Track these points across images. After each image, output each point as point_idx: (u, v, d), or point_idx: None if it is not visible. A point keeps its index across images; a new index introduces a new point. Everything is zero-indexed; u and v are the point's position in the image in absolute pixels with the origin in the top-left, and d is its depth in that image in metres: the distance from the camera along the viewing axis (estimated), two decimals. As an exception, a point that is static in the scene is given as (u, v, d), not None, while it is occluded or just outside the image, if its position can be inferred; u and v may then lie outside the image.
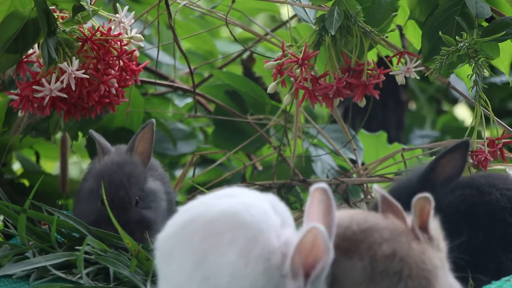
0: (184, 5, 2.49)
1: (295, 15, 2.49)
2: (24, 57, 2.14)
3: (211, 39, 3.18)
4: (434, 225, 1.54)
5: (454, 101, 4.67)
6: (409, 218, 1.53)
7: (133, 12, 2.18)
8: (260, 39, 2.73)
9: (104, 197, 1.99)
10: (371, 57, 2.18)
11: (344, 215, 1.53)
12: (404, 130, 3.98)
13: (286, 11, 2.67)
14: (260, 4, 2.77)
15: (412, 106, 4.72)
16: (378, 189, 1.55)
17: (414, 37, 2.30)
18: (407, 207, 1.53)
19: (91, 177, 2.11)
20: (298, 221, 1.58)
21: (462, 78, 2.37)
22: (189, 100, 3.22)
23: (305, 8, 2.26)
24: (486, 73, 2.09)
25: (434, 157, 1.93)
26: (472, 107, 2.22)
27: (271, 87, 2.14)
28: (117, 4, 2.23)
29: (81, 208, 2.09)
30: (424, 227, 1.52)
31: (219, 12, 2.53)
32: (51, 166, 3.58)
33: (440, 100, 4.74)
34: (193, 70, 2.66)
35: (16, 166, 3.06)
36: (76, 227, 1.99)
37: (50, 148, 3.08)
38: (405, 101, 3.93)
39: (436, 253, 1.52)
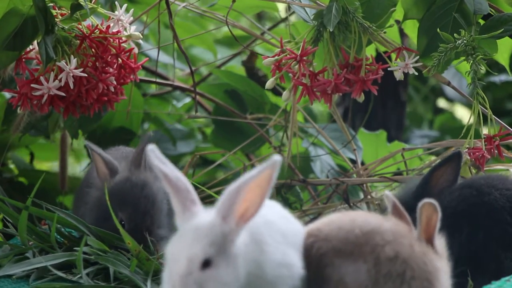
0: (183, 6, 2.49)
1: (293, 12, 2.49)
2: (23, 54, 2.14)
3: (210, 39, 3.18)
4: (440, 241, 1.53)
5: (451, 100, 4.65)
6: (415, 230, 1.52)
7: (132, 10, 2.18)
8: (256, 38, 2.73)
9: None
10: (369, 52, 2.17)
11: (345, 218, 1.53)
12: (404, 130, 3.97)
13: (284, 9, 2.67)
14: (257, 1, 2.76)
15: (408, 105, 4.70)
16: (389, 196, 1.54)
17: (414, 33, 2.29)
18: None
19: (97, 188, 2.07)
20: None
21: (462, 73, 2.36)
22: (188, 100, 3.21)
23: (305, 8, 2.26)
24: (483, 70, 2.08)
25: (430, 168, 1.93)
26: (470, 106, 2.22)
27: (269, 83, 2.14)
28: (116, 2, 2.22)
29: (90, 221, 2.04)
30: (429, 241, 1.51)
31: (218, 13, 2.52)
32: (45, 167, 3.57)
33: (435, 99, 4.72)
34: (193, 70, 2.65)
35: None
36: (76, 225, 1.99)
37: (46, 148, 3.08)
38: (405, 101, 3.92)
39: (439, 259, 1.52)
